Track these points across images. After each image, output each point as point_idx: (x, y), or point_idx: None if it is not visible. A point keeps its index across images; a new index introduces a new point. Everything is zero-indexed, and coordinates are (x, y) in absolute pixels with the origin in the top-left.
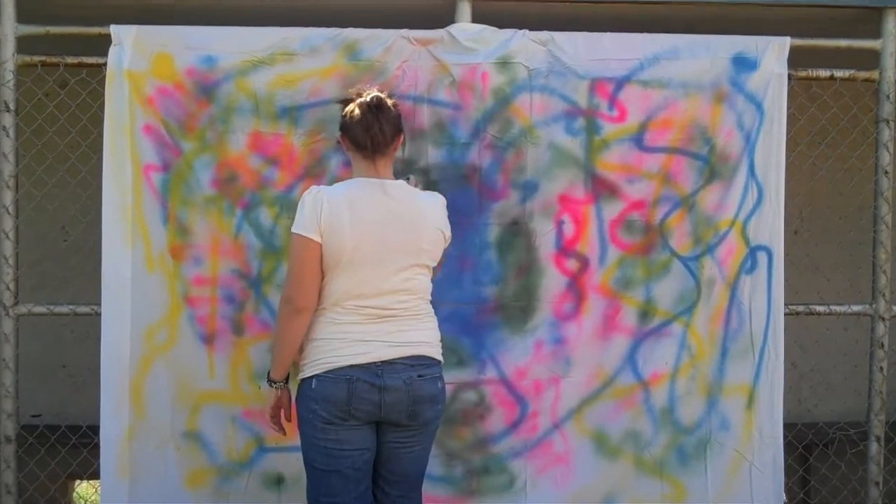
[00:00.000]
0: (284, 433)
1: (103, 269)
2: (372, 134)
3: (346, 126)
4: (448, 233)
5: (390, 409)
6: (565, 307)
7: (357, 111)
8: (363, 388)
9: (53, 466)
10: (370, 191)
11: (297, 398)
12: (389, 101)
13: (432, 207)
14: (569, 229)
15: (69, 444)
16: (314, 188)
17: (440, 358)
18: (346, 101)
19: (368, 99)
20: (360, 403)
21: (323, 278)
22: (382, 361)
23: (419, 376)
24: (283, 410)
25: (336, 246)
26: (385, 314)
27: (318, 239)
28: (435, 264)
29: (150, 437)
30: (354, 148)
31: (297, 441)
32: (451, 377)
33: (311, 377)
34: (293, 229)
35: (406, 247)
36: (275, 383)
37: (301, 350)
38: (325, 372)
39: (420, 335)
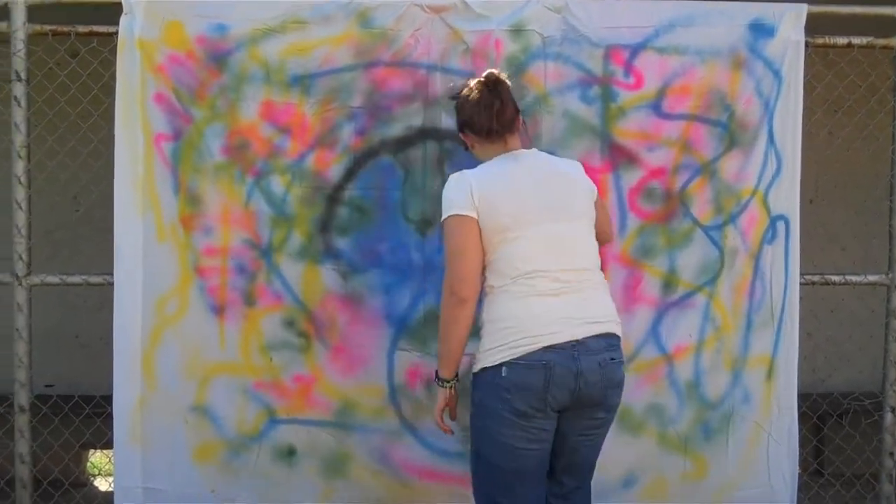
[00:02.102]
0: (452, 433)
1: (115, 239)
2: (495, 110)
3: (466, 113)
4: (595, 190)
5: (585, 396)
6: None
7: (475, 92)
8: (561, 373)
9: (67, 436)
10: (510, 162)
11: (477, 389)
12: (504, 77)
13: (570, 165)
14: None
15: (83, 414)
16: (455, 175)
17: (621, 335)
18: (455, 95)
19: (485, 77)
20: (557, 391)
21: (486, 257)
22: (577, 341)
23: (612, 359)
24: (449, 409)
25: (494, 217)
26: (567, 287)
27: (473, 214)
28: (594, 223)
29: (162, 409)
30: (480, 136)
31: (310, 412)
32: (471, 347)
33: (501, 364)
34: (445, 215)
35: (563, 204)
36: (446, 382)
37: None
38: (518, 358)
39: (606, 310)
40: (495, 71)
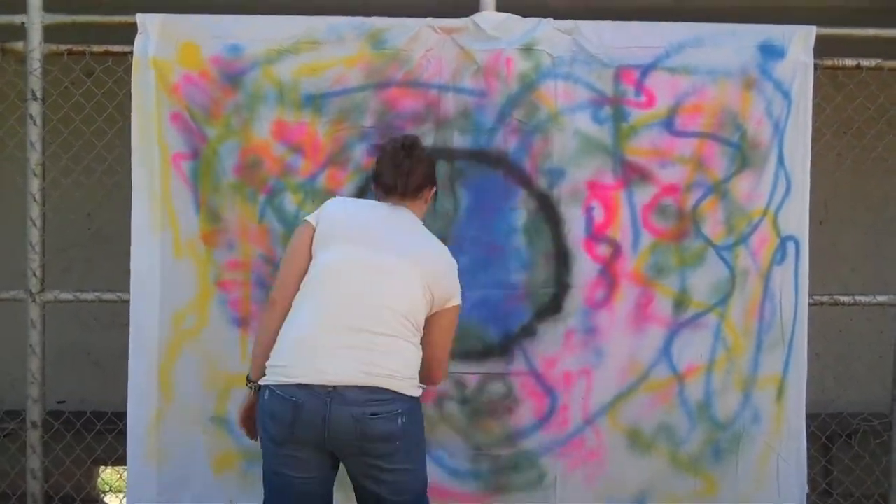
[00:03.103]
0: (255, 439)
1: (132, 256)
2: (403, 171)
3: (377, 166)
4: (439, 292)
5: (335, 443)
6: (597, 294)
7: (389, 149)
8: (309, 415)
9: (79, 452)
10: (383, 208)
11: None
12: (422, 144)
13: (444, 261)
14: (599, 215)
15: (94, 430)
16: None
17: (409, 392)
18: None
19: (403, 138)
20: (302, 432)
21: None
22: (332, 388)
23: (372, 414)
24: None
25: (325, 225)
26: (353, 324)
27: (313, 222)
28: (418, 327)
29: (178, 422)
30: (384, 191)
31: None
32: (477, 367)
33: (266, 387)
34: None
35: (393, 251)
36: (249, 382)
37: None
38: (276, 386)
39: (389, 363)
40: (418, 137)
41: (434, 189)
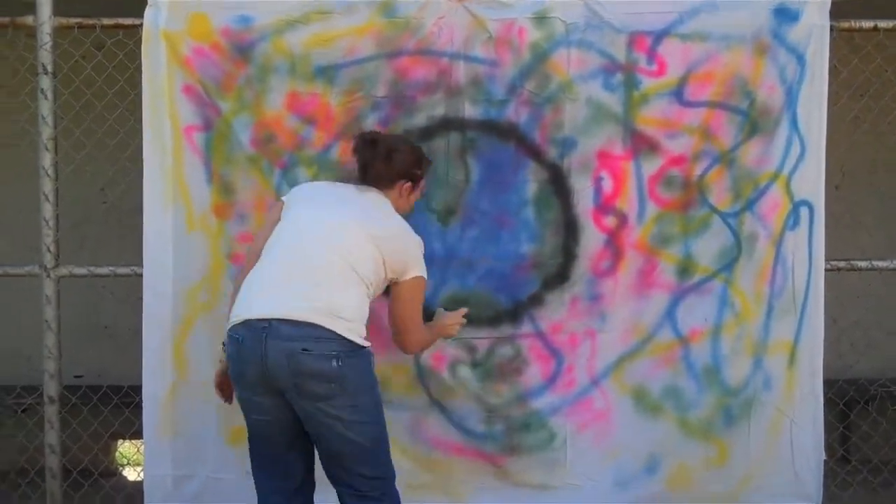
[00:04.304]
0: (229, 401)
1: (145, 230)
2: (363, 164)
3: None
4: (392, 257)
5: (273, 381)
6: (603, 264)
7: (354, 142)
8: (248, 350)
9: (96, 426)
10: (350, 189)
11: None
12: (395, 143)
13: (397, 229)
14: (607, 186)
15: (111, 404)
16: None
17: (348, 335)
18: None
19: (366, 133)
20: (246, 369)
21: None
22: (269, 321)
23: (303, 349)
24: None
25: (292, 199)
26: (299, 263)
27: (286, 199)
28: (368, 282)
29: (193, 396)
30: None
31: None
32: (487, 332)
33: (227, 331)
34: None
35: (346, 213)
36: (224, 344)
37: None
38: (230, 329)
39: (330, 302)
40: (377, 132)
41: (413, 184)
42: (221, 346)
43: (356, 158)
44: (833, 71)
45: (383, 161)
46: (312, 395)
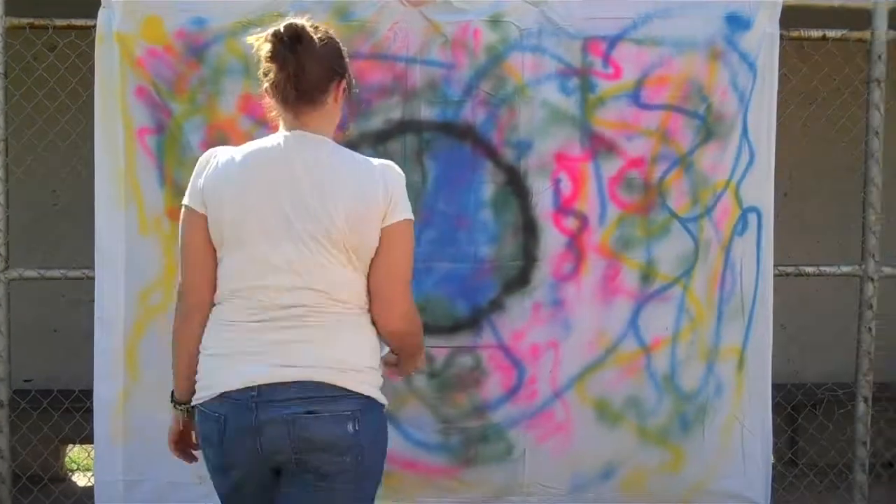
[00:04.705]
0: (193, 461)
1: (96, 233)
2: (291, 73)
3: (264, 69)
4: (392, 214)
5: (271, 457)
6: (564, 267)
7: (267, 46)
8: (234, 430)
9: (46, 431)
10: (278, 146)
11: None
12: (317, 34)
13: (366, 175)
14: (566, 187)
15: (61, 409)
16: (209, 151)
17: (361, 388)
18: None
19: (283, 29)
20: (235, 450)
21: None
22: (258, 387)
23: (307, 413)
24: (183, 437)
25: (216, 215)
26: (273, 314)
27: (200, 209)
28: (359, 258)
29: (146, 400)
30: (278, 101)
31: None
32: (446, 341)
33: (196, 408)
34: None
35: (308, 219)
36: (177, 404)
37: None
38: (203, 403)
39: (322, 351)
40: (298, 23)
41: (344, 81)
42: (177, 407)
43: (275, 68)
44: (782, 79)
45: (318, 59)
46: (318, 473)
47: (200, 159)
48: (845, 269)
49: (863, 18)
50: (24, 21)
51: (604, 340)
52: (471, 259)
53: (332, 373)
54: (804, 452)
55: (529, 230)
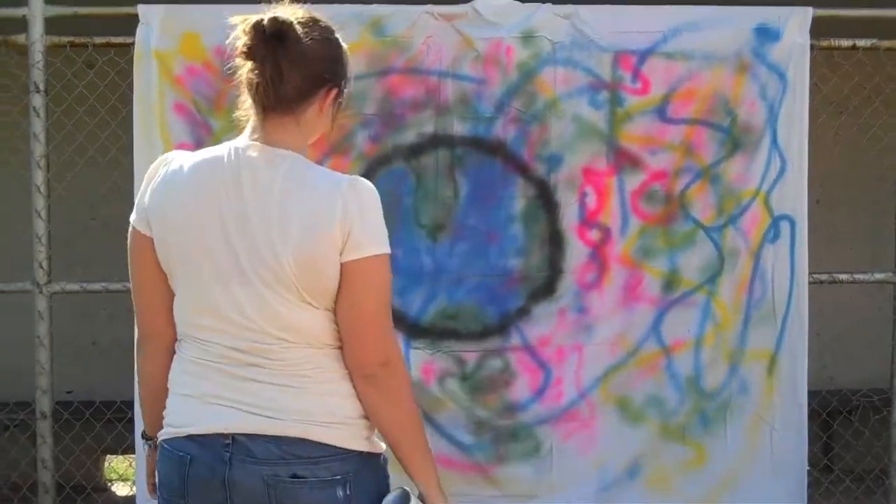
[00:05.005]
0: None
1: None
2: (268, 77)
3: (241, 70)
4: (352, 249)
5: None
6: (588, 277)
7: (243, 38)
8: (201, 476)
9: (88, 441)
10: (231, 163)
11: None
12: (311, 32)
13: (322, 205)
14: (591, 201)
15: (103, 420)
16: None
17: (351, 444)
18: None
19: (266, 22)
20: (198, 500)
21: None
22: (233, 435)
23: (293, 477)
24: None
25: (161, 240)
26: (242, 359)
27: (146, 231)
28: (314, 298)
29: None
30: (256, 105)
31: None
32: (475, 346)
33: (160, 443)
34: None
35: (257, 260)
36: (146, 439)
37: None
38: (166, 440)
39: (306, 403)
40: (286, 17)
41: (336, 89)
42: (146, 443)
43: (249, 66)
44: (813, 88)
45: (303, 63)
46: None
47: (151, 166)
48: (878, 276)
49: (893, 27)
50: (65, 39)
51: (625, 343)
52: (500, 271)
53: (317, 428)
54: (840, 458)
55: (556, 243)
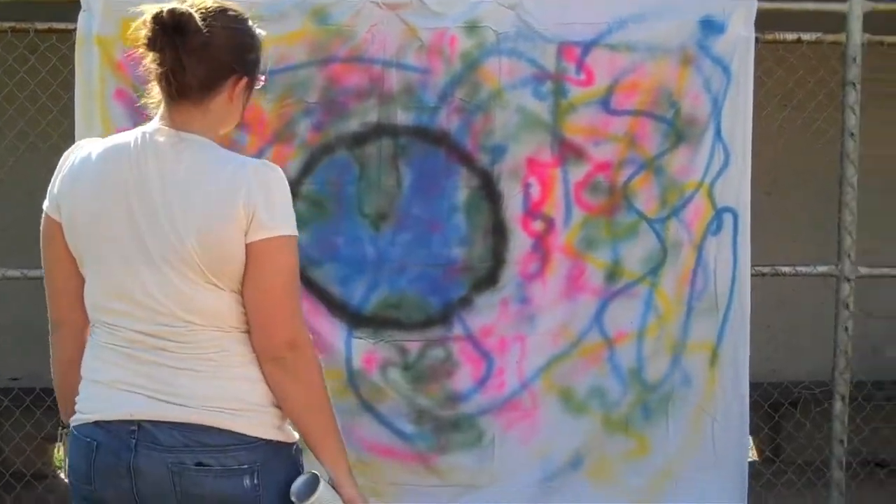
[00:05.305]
0: None
1: None
2: (168, 68)
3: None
4: (257, 230)
5: (151, 499)
6: (531, 267)
7: (143, 30)
8: (107, 461)
9: (28, 428)
10: (137, 147)
11: None
12: (215, 22)
13: (226, 186)
14: (535, 192)
15: (44, 406)
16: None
17: (259, 433)
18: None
19: (164, 13)
20: (105, 486)
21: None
22: (136, 424)
23: (198, 465)
24: None
25: (69, 225)
26: (149, 343)
27: (55, 216)
28: (218, 278)
29: None
30: (162, 94)
31: None
32: (418, 335)
33: (70, 429)
34: None
35: (161, 240)
36: (61, 427)
37: None
38: (75, 426)
39: (212, 388)
40: (185, 9)
41: (245, 77)
42: (61, 429)
43: (151, 57)
44: (758, 81)
45: (206, 55)
46: None
47: (64, 154)
48: (822, 269)
49: (838, 21)
50: (6, 25)
51: (568, 334)
52: (443, 261)
53: (223, 415)
54: (782, 450)
55: (499, 233)
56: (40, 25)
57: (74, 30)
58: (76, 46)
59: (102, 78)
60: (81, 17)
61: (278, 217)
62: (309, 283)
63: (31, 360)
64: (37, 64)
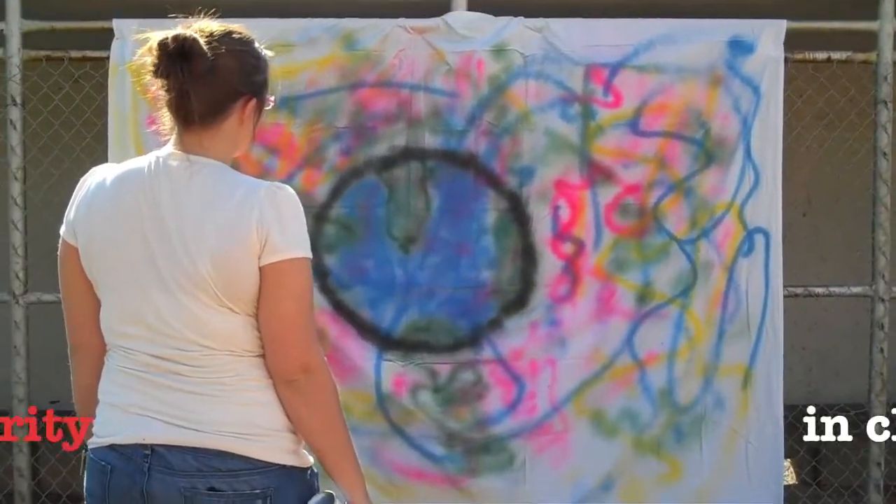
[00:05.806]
0: None
1: None
2: (176, 94)
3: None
4: (270, 252)
5: None
6: (560, 290)
7: (150, 57)
8: (121, 485)
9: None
10: (150, 172)
11: None
12: (221, 46)
13: (239, 208)
14: (565, 214)
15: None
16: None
17: (272, 458)
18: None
19: (169, 39)
20: None
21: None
22: (150, 448)
23: (210, 490)
24: None
25: (86, 250)
26: (163, 367)
27: (72, 241)
28: (233, 302)
29: None
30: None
31: None
32: (448, 358)
33: (87, 454)
34: None
35: (174, 264)
36: (84, 449)
37: None
38: (91, 449)
39: (226, 413)
40: (189, 34)
41: (255, 99)
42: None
43: (159, 84)
44: (788, 101)
45: (213, 79)
46: None
47: (80, 180)
48: (855, 289)
49: (868, 40)
50: (41, 53)
51: (599, 357)
52: (472, 283)
53: (238, 441)
54: (819, 473)
55: (528, 256)
56: (74, 54)
57: (108, 58)
58: (109, 74)
59: (135, 105)
60: (114, 45)
61: (291, 239)
62: (339, 306)
63: (70, 383)
64: (71, 91)
